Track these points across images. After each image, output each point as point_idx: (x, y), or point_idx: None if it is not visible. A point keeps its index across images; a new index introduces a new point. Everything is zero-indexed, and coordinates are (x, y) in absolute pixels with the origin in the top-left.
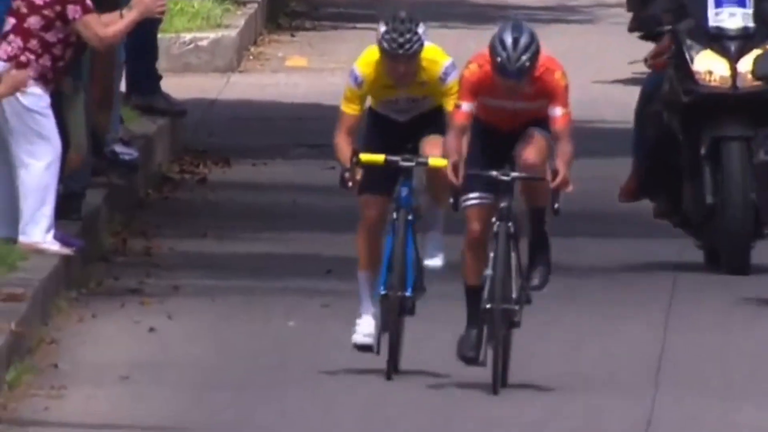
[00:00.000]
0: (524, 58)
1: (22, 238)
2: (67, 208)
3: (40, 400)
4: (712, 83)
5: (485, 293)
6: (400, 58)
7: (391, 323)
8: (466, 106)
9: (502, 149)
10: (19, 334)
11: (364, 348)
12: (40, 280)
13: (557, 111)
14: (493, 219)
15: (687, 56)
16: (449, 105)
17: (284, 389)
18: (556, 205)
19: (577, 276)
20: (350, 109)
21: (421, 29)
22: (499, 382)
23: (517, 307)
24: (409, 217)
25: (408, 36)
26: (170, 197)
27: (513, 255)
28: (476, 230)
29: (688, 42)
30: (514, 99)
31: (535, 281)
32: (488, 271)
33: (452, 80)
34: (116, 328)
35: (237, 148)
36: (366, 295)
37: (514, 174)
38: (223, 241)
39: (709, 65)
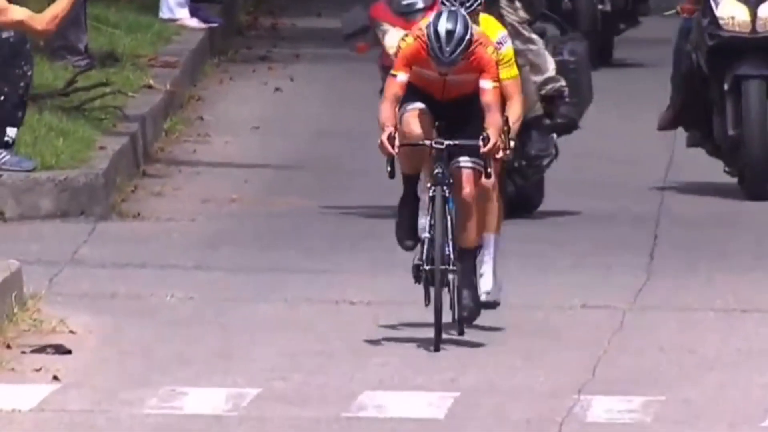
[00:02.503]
0: (458, 51)
1: (165, 15)
2: None
3: (190, 144)
4: (734, 28)
5: (423, 255)
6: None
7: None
8: (402, 76)
9: (434, 113)
10: (173, 92)
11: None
12: (190, 50)
13: (487, 84)
14: (428, 184)
15: (712, 4)
16: (503, 73)
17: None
18: (489, 170)
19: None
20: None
21: None
22: (440, 339)
23: (454, 268)
24: (445, 194)
25: None
26: None
27: (448, 218)
28: (410, 130)
29: None
30: (446, 73)
31: (466, 301)
32: (425, 234)
33: (506, 49)
34: (249, 88)
35: None
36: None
37: (449, 141)
38: (334, 18)
39: (731, 11)
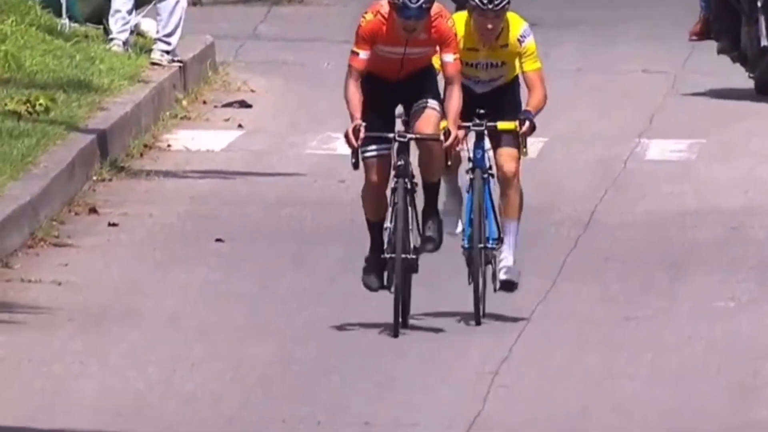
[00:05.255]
0: None
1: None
2: None
3: None
4: None
5: (386, 245)
6: (489, 13)
7: (474, 273)
8: (363, 53)
9: (391, 101)
10: None
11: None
12: None
13: (449, 57)
14: (392, 175)
15: None
16: (527, 65)
17: None
18: (449, 162)
19: None
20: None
21: None
22: (399, 326)
23: (415, 257)
24: (485, 176)
25: None
26: None
27: (410, 209)
28: (374, 180)
29: None
30: (407, 44)
31: (429, 246)
32: (388, 224)
33: (529, 42)
34: None
35: None
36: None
37: (410, 135)
38: None
39: None
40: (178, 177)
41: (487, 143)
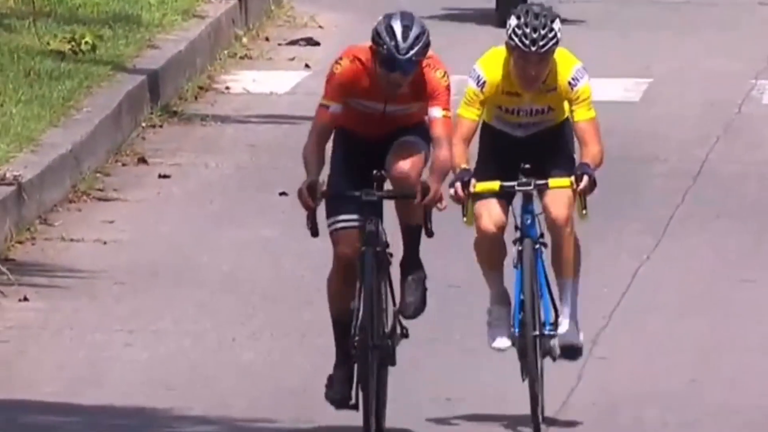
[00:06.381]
0: (415, 49)
1: None
2: None
3: None
4: None
5: (354, 328)
6: (532, 56)
7: (530, 368)
8: (335, 107)
9: (367, 163)
10: None
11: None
12: None
13: (437, 112)
14: (361, 246)
15: None
16: (579, 114)
17: None
18: (429, 225)
19: None
20: (469, 113)
21: (557, 26)
22: (372, 427)
23: (389, 343)
24: (536, 247)
25: (543, 32)
26: None
27: (383, 284)
28: (345, 256)
29: None
30: (388, 101)
31: (409, 311)
32: (356, 303)
33: (582, 86)
34: None
35: None
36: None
37: (380, 193)
38: None
39: None
40: (236, 123)
41: (537, 207)
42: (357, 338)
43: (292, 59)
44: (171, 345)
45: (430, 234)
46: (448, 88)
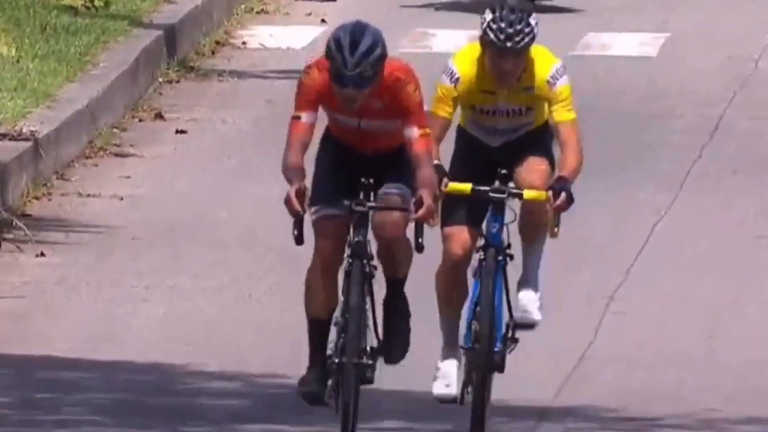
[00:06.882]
0: (364, 62)
1: None
2: None
3: None
4: None
5: (334, 344)
6: (507, 51)
7: (476, 381)
8: (306, 116)
9: (353, 170)
10: None
11: (445, 400)
12: None
13: (413, 132)
14: (345, 255)
15: None
16: (558, 114)
17: None
18: (420, 240)
19: None
20: (442, 111)
21: (533, 20)
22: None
23: (371, 362)
24: (500, 258)
25: (519, 27)
26: None
27: (368, 299)
28: (326, 248)
29: None
30: (360, 115)
31: (395, 359)
32: (337, 317)
33: (562, 85)
34: None
35: None
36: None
37: (371, 203)
38: None
39: None
40: (253, 78)
41: (508, 216)
42: (337, 357)
43: (309, 14)
44: (188, 301)
45: (420, 249)
46: (420, 103)
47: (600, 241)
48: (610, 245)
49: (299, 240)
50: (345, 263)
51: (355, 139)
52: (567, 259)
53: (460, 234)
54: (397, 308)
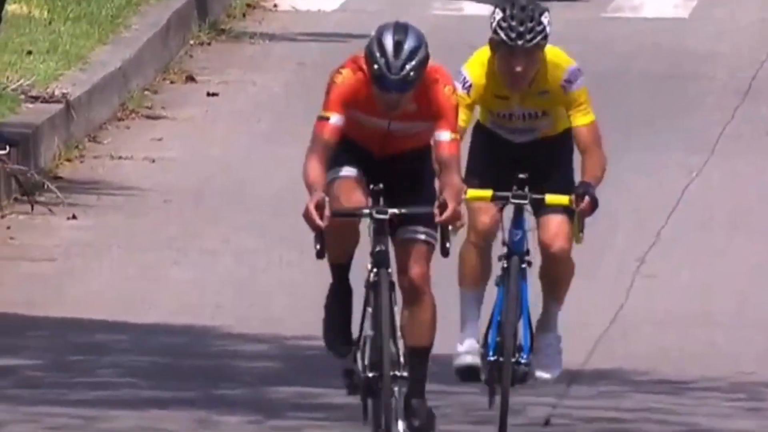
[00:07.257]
0: (409, 66)
1: None
2: None
3: None
4: None
5: (362, 359)
6: (518, 50)
7: (503, 393)
8: (335, 119)
9: (370, 175)
10: None
11: (468, 371)
12: None
13: (444, 135)
14: (368, 265)
15: None
16: (576, 119)
17: None
18: (447, 245)
19: None
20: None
21: (545, 19)
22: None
23: (406, 374)
24: (523, 266)
25: (530, 25)
26: None
27: (395, 309)
28: (344, 201)
29: None
30: (391, 118)
31: (417, 422)
32: (368, 332)
33: (578, 89)
34: None
35: None
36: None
37: (393, 210)
38: None
39: None
40: (285, 40)
41: (529, 222)
42: (370, 371)
43: None
44: (219, 264)
45: (446, 253)
46: (456, 107)
47: (631, 204)
48: (641, 207)
49: (321, 254)
50: (368, 275)
51: (375, 140)
52: (598, 222)
53: (487, 205)
54: (419, 401)
